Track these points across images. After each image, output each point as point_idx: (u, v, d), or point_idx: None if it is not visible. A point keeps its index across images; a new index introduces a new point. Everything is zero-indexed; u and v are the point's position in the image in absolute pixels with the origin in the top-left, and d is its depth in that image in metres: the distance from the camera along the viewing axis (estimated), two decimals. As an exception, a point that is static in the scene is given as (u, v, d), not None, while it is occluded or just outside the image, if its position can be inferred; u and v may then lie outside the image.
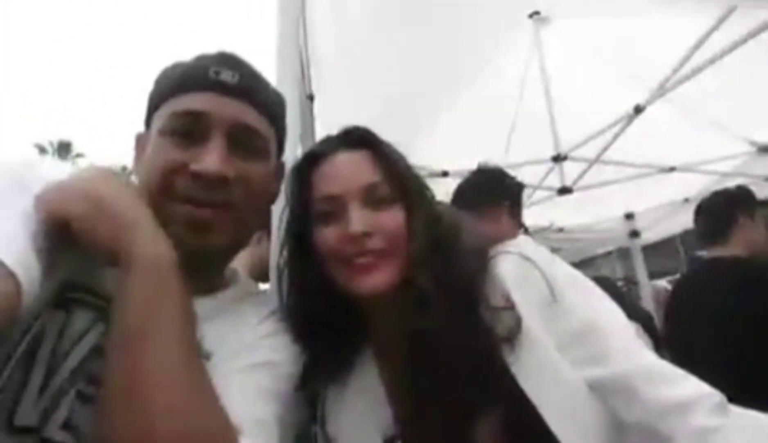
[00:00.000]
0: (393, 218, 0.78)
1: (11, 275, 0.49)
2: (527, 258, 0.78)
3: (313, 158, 0.83)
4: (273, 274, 1.03)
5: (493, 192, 1.95)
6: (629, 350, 0.73)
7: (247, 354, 0.72)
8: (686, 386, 0.69)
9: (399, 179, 0.80)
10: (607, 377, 0.69)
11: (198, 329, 0.65)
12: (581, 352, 0.71)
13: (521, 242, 0.84)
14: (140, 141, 0.77)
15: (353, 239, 0.75)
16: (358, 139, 0.84)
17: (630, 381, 0.69)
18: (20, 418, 0.57)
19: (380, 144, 0.83)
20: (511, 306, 0.73)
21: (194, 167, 0.68)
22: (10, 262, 0.49)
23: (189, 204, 0.69)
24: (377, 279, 0.76)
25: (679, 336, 2.04)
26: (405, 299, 0.75)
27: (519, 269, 0.77)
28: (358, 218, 0.76)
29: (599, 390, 0.70)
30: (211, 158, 0.68)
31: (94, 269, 0.66)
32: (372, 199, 0.78)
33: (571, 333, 0.72)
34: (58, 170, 0.66)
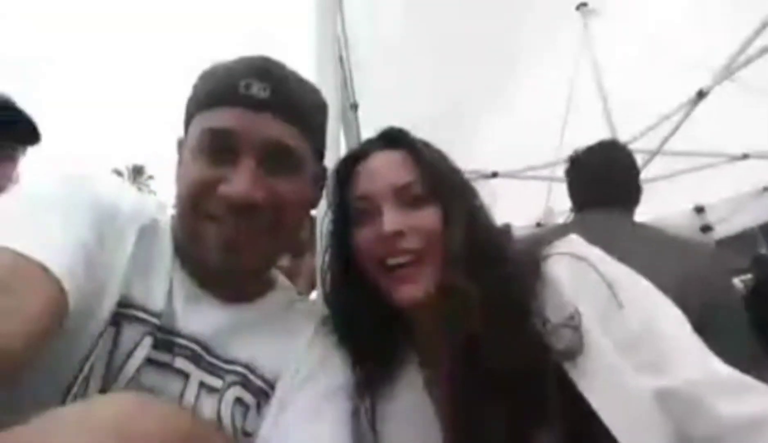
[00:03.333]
0: (428, 217, 0.76)
1: (58, 282, 0.51)
2: (582, 258, 0.74)
3: (352, 160, 0.84)
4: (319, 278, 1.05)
5: (630, 174, 1.54)
6: (694, 357, 0.67)
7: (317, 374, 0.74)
8: (762, 398, 0.62)
9: (435, 178, 0.78)
10: (670, 387, 0.64)
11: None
12: (641, 358, 0.66)
13: (573, 241, 0.79)
14: (180, 146, 0.78)
15: (386, 240, 0.74)
16: (394, 139, 0.83)
17: (695, 391, 0.63)
18: None
19: (416, 143, 0.81)
20: (572, 324, 0.68)
21: (222, 190, 0.68)
22: (58, 271, 0.51)
23: (218, 224, 0.69)
24: (415, 290, 0.74)
25: None
26: (445, 303, 0.73)
27: (574, 271, 0.73)
28: (391, 218, 0.75)
29: (662, 400, 0.64)
30: (239, 182, 0.67)
31: (141, 284, 0.68)
32: (406, 199, 0.77)
33: (630, 338, 0.68)
34: (133, 200, 0.71)
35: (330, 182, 0.86)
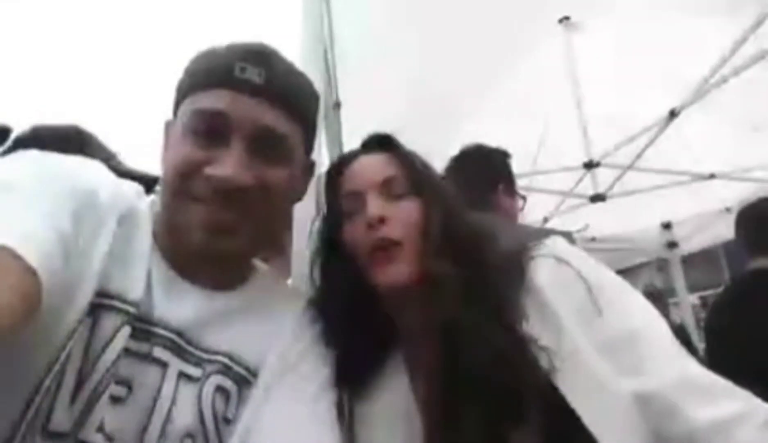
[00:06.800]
0: (409, 207, 0.80)
1: (32, 270, 0.48)
2: (562, 260, 0.76)
3: (340, 166, 0.88)
4: (297, 274, 1.04)
5: (484, 179, 1.66)
6: (671, 360, 0.69)
7: (301, 377, 0.74)
8: (734, 401, 0.65)
9: (415, 174, 0.83)
10: (648, 389, 0.66)
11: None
12: (621, 362, 0.69)
13: (554, 243, 0.81)
14: (168, 129, 0.76)
15: (371, 226, 0.77)
16: (377, 142, 0.89)
17: (672, 394, 0.65)
18: (53, 424, 0.58)
19: (398, 145, 0.87)
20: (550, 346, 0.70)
21: (209, 171, 0.66)
22: (31, 258, 0.48)
23: (203, 205, 0.67)
24: (395, 271, 0.76)
25: (723, 355, 1.92)
26: (425, 290, 0.75)
27: (555, 274, 0.75)
28: (374, 205, 0.79)
29: (640, 402, 0.66)
30: (227, 164, 0.66)
31: (120, 273, 0.66)
32: (389, 192, 0.81)
33: (610, 341, 0.70)
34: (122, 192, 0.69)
35: (322, 186, 0.89)
